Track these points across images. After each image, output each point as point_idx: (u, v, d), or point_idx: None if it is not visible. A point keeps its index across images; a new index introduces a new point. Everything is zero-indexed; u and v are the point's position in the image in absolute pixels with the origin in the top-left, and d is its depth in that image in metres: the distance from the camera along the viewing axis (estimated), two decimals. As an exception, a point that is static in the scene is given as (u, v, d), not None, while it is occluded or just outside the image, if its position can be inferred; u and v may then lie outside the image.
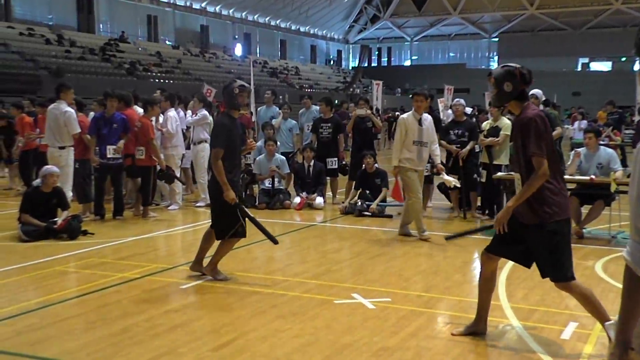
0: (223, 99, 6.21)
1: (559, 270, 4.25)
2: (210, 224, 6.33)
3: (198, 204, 10.73)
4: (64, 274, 6.62)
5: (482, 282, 4.68)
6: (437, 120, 10.72)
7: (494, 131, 9.33)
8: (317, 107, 12.05)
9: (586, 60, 57.32)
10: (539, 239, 4.26)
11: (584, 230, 8.24)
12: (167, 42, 45.00)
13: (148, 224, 9.36)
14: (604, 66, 56.25)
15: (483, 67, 60.74)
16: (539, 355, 4.37)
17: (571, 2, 52.57)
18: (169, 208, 10.42)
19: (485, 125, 9.60)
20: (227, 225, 6.03)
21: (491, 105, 9.69)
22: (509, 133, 9.23)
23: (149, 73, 33.96)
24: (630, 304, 1.88)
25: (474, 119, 12.25)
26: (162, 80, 32.68)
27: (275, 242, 6.29)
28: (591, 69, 57.00)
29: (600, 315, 4.25)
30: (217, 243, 6.29)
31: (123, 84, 25.46)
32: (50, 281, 6.24)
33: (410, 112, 8.32)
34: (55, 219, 8.22)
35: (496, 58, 60.97)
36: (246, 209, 6.14)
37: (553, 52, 54.27)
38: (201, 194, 10.91)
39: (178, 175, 10.48)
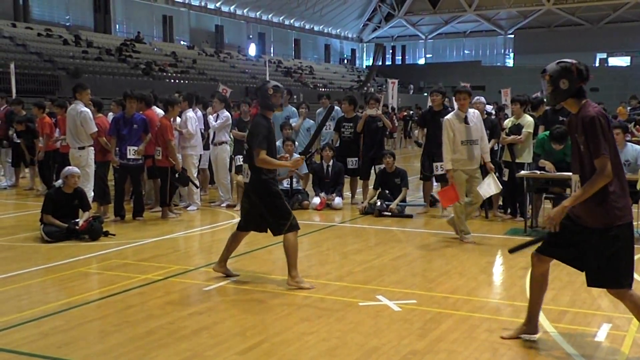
0: (257, 100, 6.22)
1: (615, 277, 4.04)
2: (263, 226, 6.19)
3: (223, 204, 10.73)
4: (87, 275, 6.60)
5: (533, 283, 4.57)
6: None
7: (516, 129, 9.21)
8: (338, 107, 11.98)
9: (604, 55, 56.69)
10: (600, 244, 4.06)
11: None
12: (182, 43, 45.13)
13: (168, 224, 9.34)
14: (622, 61, 55.61)
15: (498, 64, 60.35)
16: (574, 358, 4.27)
17: (589, -3, 52.09)
18: (188, 209, 10.40)
19: (507, 122, 9.49)
20: (282, 218, 5.93)
21: (513, 103, 9.58)
22: (531, 130, 9.12)
23: (165, 73, 34.06)
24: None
25: (495, 117, 12.09)
26: (177, 81, 32.78)
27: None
28: (609, 65, 56.36)
29: None
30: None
31: (139, 84, 25.59)
32: (74, 283, 6.22)
33: (453, 112, 8.13)
34: (77, 220, 8.22)
35: (512, 55, 60.53)
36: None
37: (570, 48, 53.50)
38: (221, 195, 10.88)
39: (196, 175, 10.45)
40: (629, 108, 16.29)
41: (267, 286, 6.05)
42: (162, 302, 5.59)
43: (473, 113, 8.03)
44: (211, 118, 10.82)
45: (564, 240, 4.28)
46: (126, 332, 4.82)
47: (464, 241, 7.88)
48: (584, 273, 4.23)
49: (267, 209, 5.96)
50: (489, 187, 7.88)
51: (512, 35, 59.94)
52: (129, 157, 9.47)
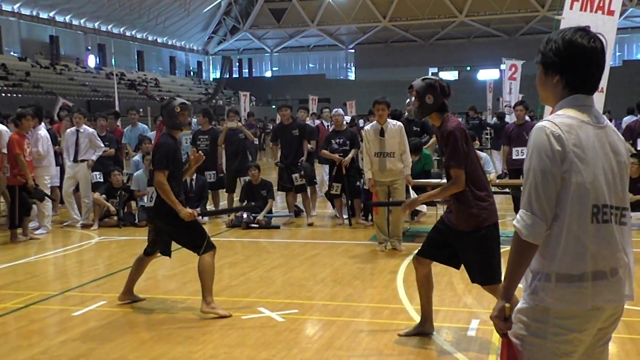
0: (162, 118, 5.76)
1: (490, 274, 4.42)
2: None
3: (78, 224, 10.15)
4: None
5: (419, 285, 4.81)
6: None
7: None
8: (195, 120, 11.80)
9: (435, 69, 60.73)
10: (471, 245, 4.43)
11: None
12: (13, 54, 42.02)
13: (19, 248, 8.65)
14: (451, 75, 59.93)
15: (342, 77, 62.62)
16: (451, 354, 4.54)
17: (420, 15, 55.56)
18: (37, 232, 9.62)
19: (367, 133, 9.86)
20: (197, 239, 5.54)
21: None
22: (364, 142, 9.58)
23: (-5, 87, 31.53)
24: (517, 267, 2.29)
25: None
26: (9, 95, 30.46)
27: (254, 209, 5.88)
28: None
29: None
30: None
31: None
32: None
33: (372, 123, 8.16)
34: None
35: (353, 69, 63.04)
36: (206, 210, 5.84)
37: (406, 63, 56.93)
38: (73, 214, 10.29)
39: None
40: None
41: (142, 307, 5.81)
42: (27, 331, 5.18)
43: (394, 125, 7.95)
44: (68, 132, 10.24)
45: (440, 242, 4.64)
46: (-8, 367, 4.41)
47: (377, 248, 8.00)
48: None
49: (177, 232, 5.57)
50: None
51: (353, 50, 62.47)
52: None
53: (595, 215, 2.22)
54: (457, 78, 59.27)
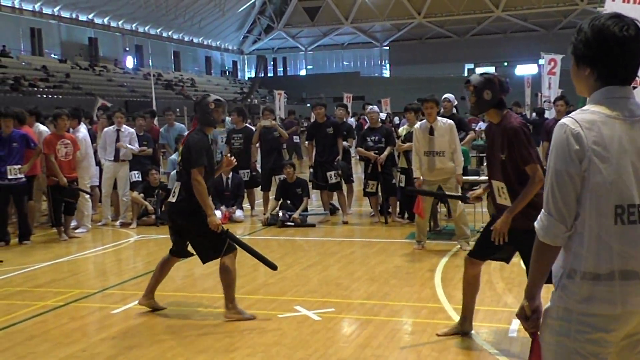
0: (196, 115, 5.60)
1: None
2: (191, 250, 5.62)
3: (117, 223, 10.31)
4: (-24, 307, 6.07)
5: (466, 285, 4.72)
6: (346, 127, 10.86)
7: (411, 136, 9.49)
8: (229, 119, 11.84)
9: (471, 66, 60.06)
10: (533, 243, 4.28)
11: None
12: (53, 56, 42.89)
13: (59, 247, 8.79)
14: (488, 71, 59.23)
15: (376, 74, 62.35)
16: (492, 355, 4.44)
17: (456, 10, 55.00)
18: (77, 231, 9.78)
19: (402, 130, 9.77)
20: (218, 240, 5.30)
21: (407, 111, 9.85)
22: (413, 140, 9.45)
23: (36, 88, 32.19)
24: (539, 267, 2.27)
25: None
26: (50, 96, 31.08)
27: (274, 267, 5.58)
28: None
29: None
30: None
31: (8, 101, 23.94)
32: (-37, 316, 5.70)
33: (422, 122, 8.03)
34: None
35: (388, 66, 62.72)
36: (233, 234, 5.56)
37: (441, 59, 56.46)
38: (107, 213, 10.48)
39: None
40: None
41: (179, 306, 5.84)
42: (68, 329, 5.25)
43: (444, 123, 7.83)
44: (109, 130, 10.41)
45: (495, 243, 4.40)
46: (34, 364, 4.47)
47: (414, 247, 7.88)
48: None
49: (199, 232, 5.32)
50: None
51: (388, 47, 62.15)
52: (9, 177, 8.84)
53: (620, 216, 2.10)
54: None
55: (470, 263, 4.65)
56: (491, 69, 58.25)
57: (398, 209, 9.92)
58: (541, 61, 25.46)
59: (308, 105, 41.15)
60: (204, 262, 5.45)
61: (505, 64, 56.21)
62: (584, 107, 2.20)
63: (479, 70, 59.56)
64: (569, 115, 2.19)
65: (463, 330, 4.75)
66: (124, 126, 10.39)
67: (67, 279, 7.03)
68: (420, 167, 7.82)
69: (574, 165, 2.11)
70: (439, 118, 7.90)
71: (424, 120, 7.96)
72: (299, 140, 20.97)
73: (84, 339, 5.00)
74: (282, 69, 65.71)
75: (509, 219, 4.27)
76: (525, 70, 49.28)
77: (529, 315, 2.27)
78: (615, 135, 2.12)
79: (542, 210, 2.20)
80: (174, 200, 5.45)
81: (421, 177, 7.80)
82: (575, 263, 2.16)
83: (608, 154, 2.10)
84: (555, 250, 2.20)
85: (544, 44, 41.75)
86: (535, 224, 2.21)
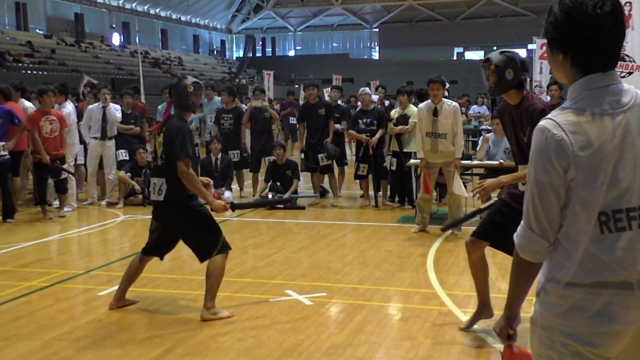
0: (171, 98, 5.11)
1: None
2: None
3: (103, 203, 10.12)
4: (-41, 286, 5.92)
5: (474, 270, 4.53)
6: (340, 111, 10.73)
7: (403, 119, 9.41)
8: (219, 99, 11.67)
9: (461, 49, 59.90)
10: None
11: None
12: (38, 31, 42.19)
13: (44, 226, 8.63)
14: (477, 55, 58.99)
15: (365, 57, 61.97)
16: (488, 342, 4.38)
17: (446, -7, 54.71)
18: (62, 210, 9.58)
19: (394, 113, 9.66)
20: (211, 240, 4.89)
21: (399, 94, 9.73)
22: (417, 120, 9.36)
23: (20, 64, 31.66)
24: (519, 283, 2.08)
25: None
26: (35, 72, 30.58)
27: (287, 201, 5.28)
28: (466, 58, 59.63)
29: None
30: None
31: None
32: (-55, 296, 5.55)
33: (426, 102, 7.89)
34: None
35: (377, 48, 62.37)
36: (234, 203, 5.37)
37: (430, 42, 56.19)
38: (94, 192, 10.33)
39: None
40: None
41: (168, 288, 5.74)
42: (53, 310, 5.12)
43: (449, 105, 7.71)
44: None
45: (502, 226, 4.15)
46: (18, 347, 4.36)
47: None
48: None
49: (191, 228, 4.91)
50: (460, 189, 7.42)
51: (377, 29, 61.74)
52: (-8, 154, 8.64)
53: (605, 224, 1.87)
54: (482, 58, 58.41)
55: (473, 245, 4.43)
56: (480, 53, 58.16)
57: (389, 193, 9.83)
58: (531, 46, 25.35)
59: (297, 86, 40.90)
60: (202, 261, 4.98)
61: (495, 48, 55.29)
62: (565, 104, 1.95)
63: (469, 54, 59.57)
64: (548, 116, 1.92)
65: (484, 317, 4.56)
66: (110, 103, 10.17)
67: (53, 259, 6.90)
68: (423, 148, 7.72)
69: (557, 177, 1.87)
70: (444, 99, 7.79)
71: (429, 101, 7.83)
72: (295, 122, 20.75)
73: (70, 321, 4.87)
74: (270, 49, 65.15)
75: (501, 183, 4.18)
76: (514, 55, 49.12)
77: (512, 335, 2.14)
78: (606, 132, 1.87)
79: (522, 223, 1.97)
80: (160, 198, 4.91)
81: (423, 158, 7.71)
82: (558, 272, 1.94)
83: (597, 160, 1.85)
84: (537, 267, 2.00)
85: (535, 29, 41.60)
86: (515, 237, 2.00)
